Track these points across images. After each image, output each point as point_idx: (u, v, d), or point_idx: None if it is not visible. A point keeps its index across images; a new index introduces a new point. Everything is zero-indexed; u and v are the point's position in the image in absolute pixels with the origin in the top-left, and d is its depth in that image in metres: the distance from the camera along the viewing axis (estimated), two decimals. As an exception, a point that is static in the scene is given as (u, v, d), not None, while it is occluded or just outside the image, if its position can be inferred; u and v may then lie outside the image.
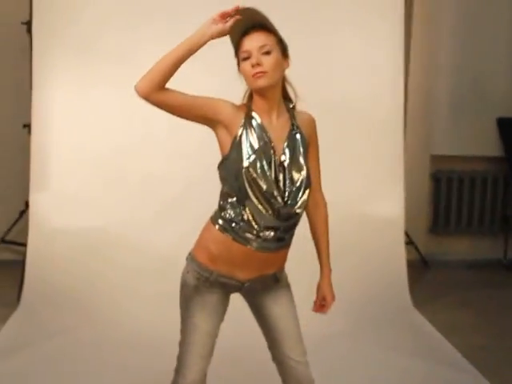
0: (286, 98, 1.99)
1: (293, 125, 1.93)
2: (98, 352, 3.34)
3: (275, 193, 1.84)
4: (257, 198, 1.83)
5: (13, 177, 4.61)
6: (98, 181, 4.03)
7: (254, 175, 1.81)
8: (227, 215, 1.88)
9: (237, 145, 1.85)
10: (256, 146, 1.84)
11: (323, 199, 2.10)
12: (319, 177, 2.06)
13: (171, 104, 1.81)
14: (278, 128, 1.90)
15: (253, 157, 1.83)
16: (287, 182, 1.87)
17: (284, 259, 2.02)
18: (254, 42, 1.83)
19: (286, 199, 1.86)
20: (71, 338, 3.50)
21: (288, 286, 2.07)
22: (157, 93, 1.77)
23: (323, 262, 2.10)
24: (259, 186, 1.82)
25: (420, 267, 5.02)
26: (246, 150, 1.83)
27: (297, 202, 1.88)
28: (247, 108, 1.90)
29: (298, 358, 2.02)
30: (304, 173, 1.89)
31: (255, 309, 2.07)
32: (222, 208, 1.91)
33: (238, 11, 1.80)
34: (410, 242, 4.88)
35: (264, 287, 2.01)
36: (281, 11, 3.87)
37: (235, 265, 1.90)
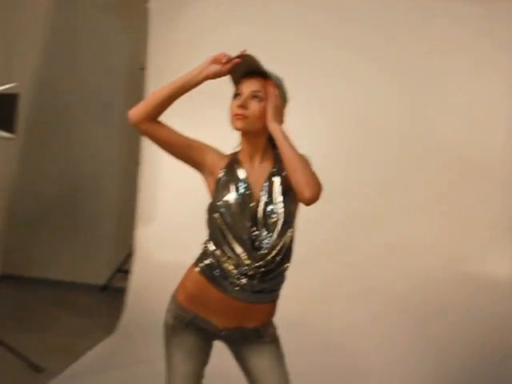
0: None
1: (273, 168, 1.90)
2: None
3: (245, 237, 1.82)
4: (229, 244, 1.84)
5: (131, 210, 4.89)
6: (202, 218, 4.14)
7: (228, 220, 1.83)
8: (206, 259, 1.90)
9: (216, 190, 1.89)
10: (232, 191, 1.85)
11: None
12: None
13: (160, 138, 1.89)
14: (259, 173, 1.90)
15: (226, 202, 1.85)
16: (260, 227, 1.84)
17: (266, 315, 1.96)
18: (249, 84, 1.86)
19: (257, 244, 1.83)
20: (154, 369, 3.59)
21: (274, 342, 1.99)
22: (147, 123, 1.86)
23: None
24: (232, 231, 1.83)
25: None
26: (221, 196, 1.87)
27: (272, 247, 1.84)
28: (232, 155, 1.92)
29: None
30: (281, 217, 1.84)
31: (238, 359, 2.03)
32: (203, 252, 1.94)
33: (241, 56, 1.83)
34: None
35: (245, 340, 1.96)
36: (395, 55, 3.87)
37: (211, 310, 1.90)
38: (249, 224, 1.83)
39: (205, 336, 1.95)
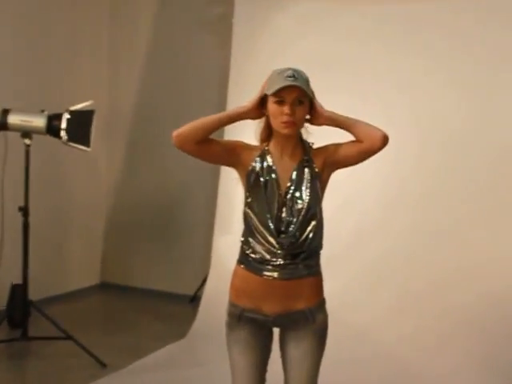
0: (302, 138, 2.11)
1: (303, 159, 2.03)
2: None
3: (270, 225, 1.96)
4: (259, 232, 1.98)
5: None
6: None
7: (255, 210, 1.98)
8: (243, 251, 2.04)
9: (248, 181, 2.03)
10: (261, 180, 1.99)
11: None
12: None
13: (204, 157, 2.06)
14: (289, 163, 2.03)
15: (253, 192, 2.00)
16: (286, 214, 1.97)
17: (308, 293, 2.03)
18: (291, 93, 1.94)
19: (284, 230, 1.96)
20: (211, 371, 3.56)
21: (319, 334, 2.05)
22: (191, 146, 1.99)
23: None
24: (261, 219, 1.97)
25: None
26: (249, 187, 2.01)
27: (299, 233, 1.96)
28: (264, 147, 2.07)
29: None
30: (306, 205, 1.97)
31: (280, 344, 2.10)
32: (241, 248, 2.07)
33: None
34: None
35: (294, 324, 2.03)
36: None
37: (257, 297, 2.01)
38: (275, 210, 1.96)
39: (258, 326, 2.05)
